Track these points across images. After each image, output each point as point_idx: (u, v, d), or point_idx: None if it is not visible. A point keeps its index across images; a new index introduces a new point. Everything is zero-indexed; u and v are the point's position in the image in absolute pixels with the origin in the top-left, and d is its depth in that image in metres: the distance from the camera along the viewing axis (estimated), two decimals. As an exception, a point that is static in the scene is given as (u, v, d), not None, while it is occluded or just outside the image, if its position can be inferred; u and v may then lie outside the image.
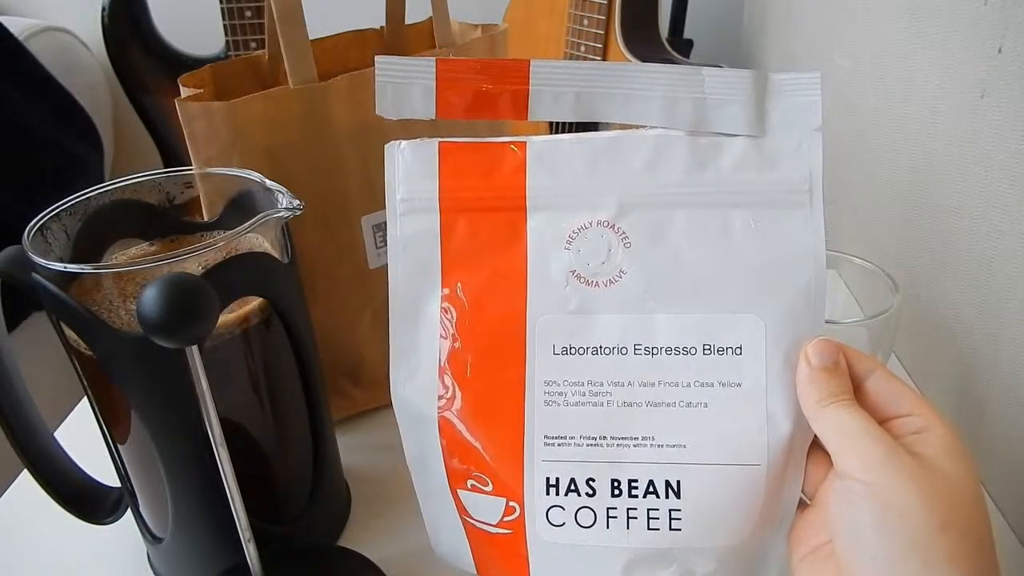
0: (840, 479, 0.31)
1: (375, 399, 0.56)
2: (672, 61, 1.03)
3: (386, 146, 0.36)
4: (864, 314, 0.47)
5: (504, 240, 0.36)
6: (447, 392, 0.37)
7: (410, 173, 0.37)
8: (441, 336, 0.37)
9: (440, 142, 0.36)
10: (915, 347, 0.56)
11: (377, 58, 0.35)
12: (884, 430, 0.31)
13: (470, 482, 0.37)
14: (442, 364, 0.37)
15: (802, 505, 0.35)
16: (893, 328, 0.46)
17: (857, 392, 0.33)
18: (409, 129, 0.38)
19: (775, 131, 0.34)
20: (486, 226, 0.36)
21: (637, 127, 0.35)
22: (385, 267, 0.52)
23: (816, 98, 0.34)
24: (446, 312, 0.37)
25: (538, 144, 0.36)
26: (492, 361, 0.36)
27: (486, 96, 0.35)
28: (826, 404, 0.32)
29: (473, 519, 0.38)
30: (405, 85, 0.35)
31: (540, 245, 0.36)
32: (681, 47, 1.17)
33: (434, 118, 0.36)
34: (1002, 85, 0.44)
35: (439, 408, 0.37)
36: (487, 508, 0.37)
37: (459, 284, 0.37)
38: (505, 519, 0.37)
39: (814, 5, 0.83)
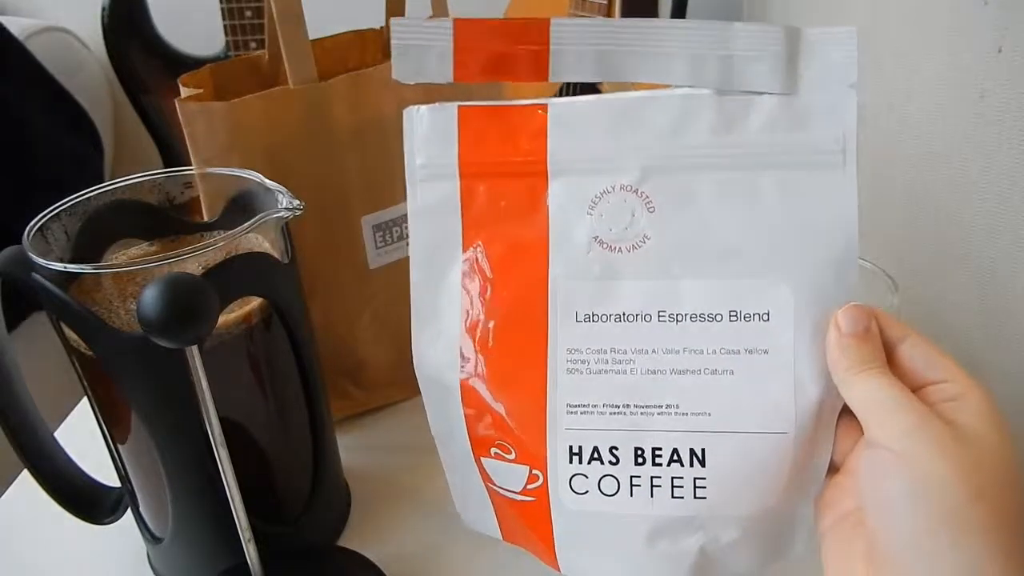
0: (871, 448, 0.30)
1: (375, 399, 0.56)
2: (672, 61, 1.03)
3: (404, 111, 0.36)
4: (864, 314, 0.47)
5: (525, 206, 0.35)
6: (470, 360, 0.36)
7: (429, 139, 0.36)
8: (463, 303, 0.36)
9: (459, 106, 0.35)
10: (915, 347, 0.56)
11: (393, 20, 0.34)
12: (917, 398, 0.30)
13: (493, 450, 0.37)
14: (464, 332, 0.36)
15: (830, 471, 0.34)
16: (893, 328, 0.46)
17: (890, 358, 0.32)
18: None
19: (807, 89, 0.33)
20: (507, 192, 0.35)
21: (656, 87, 0.34)
22: (385, 267, 0.52)
23: (852, 53, 0.32)
24: (467, 279, 0.36)
25: (560, 107, 0.35)
26: (514, 329, 0.35)
27: (505, 57, 0.34)
28: (857, 372, 0.31)
29: (497, 487, 0.38)
30: (422, 48, 0.34)
31: (562, 211, 0.35)
32: (681, 47, 1.17)
33: (451, 82, 0.34)
34: (1002, 85, 0.44)
35: (462, 376, 0.36)
36: (511, 476, 0.37)
37: (480, 251, 0.36)
38: (529, 487, 0.36)
39: (813, 5, 0.83)
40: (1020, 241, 0.43)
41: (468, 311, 0.36)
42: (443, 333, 0.36)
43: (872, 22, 0.65)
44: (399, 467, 0.51)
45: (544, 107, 0.35)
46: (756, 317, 0.33)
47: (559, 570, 0.38)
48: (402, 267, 0.53)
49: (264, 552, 0.39)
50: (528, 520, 0.38)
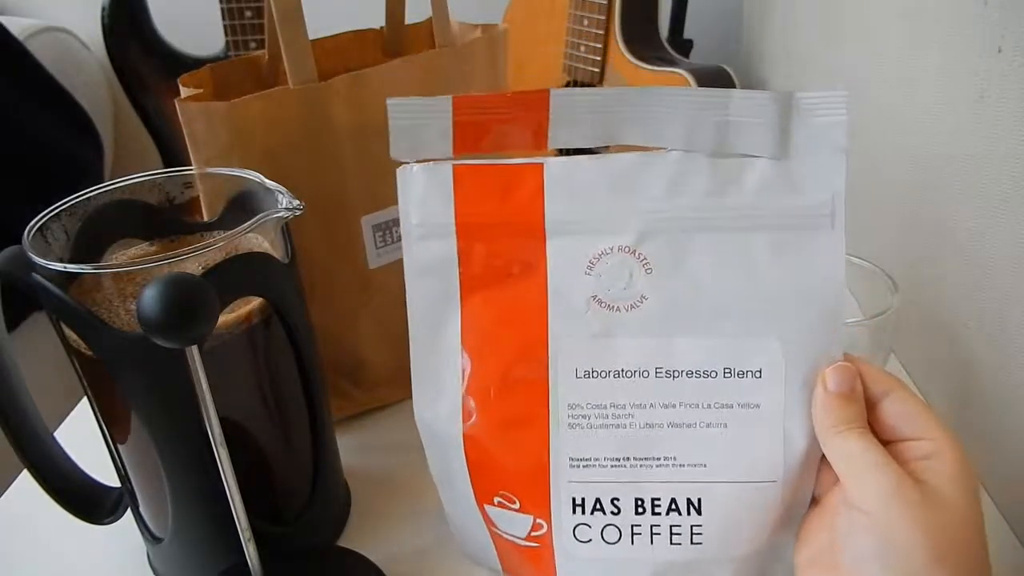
0: (847, 507, 0.32)
1: (375, 399, 0.56)
2: (672, 61, 1.03)
3: (397, 171, 0.36)
4: (864, 314, 0.47)
5: (524, 265, 0.36)
6: (471, 415, 0.36)
7: (424, 198, 0.36)
8: (463, 359, 0.37)
9: (455, 165, 0.35)
10: (915, 347, 0.56)
11: (389, 101, 0.35)
12: (892, 459, 0.31)
13: (497, 499, 0.37)
14: (465, 387, 0.37)
15: (810, 503, 0.36)
16: (893, 328, 0.46)
17: (872, 411, 0.33)
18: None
19: (799, 153, 0.33)
20: (505, 251, 0.36)
21: (656, 149, 0.35)
22: (385, 267, 0.52)
23: (842, 118, 0.33)
24: (467, 336, 0.36)
25: (556, 166, 0.35)
26: (515, 385, 0.36)
27: (505, 130, 0.35)
28: (838, 431, 0.32)
29: (501, 531, 0.38)
30: (421, 127, 0.35)
31: (560, 271, 0.35)
32: (681, 47, 1.17)
33: (451, 157, 0.35)
34: (1002, 85, 0.44)
35: (464, 430, 0.37)
36: (515, 523, 0.37)
37: (479, 309, 0.36)
38: (533, 534, 0.37)
39: (813, 5, 0.83)
40: (1020, 241, 0.43)
41: (468, 367, 0.36)
42: (444, 386, 0.37)
43: (872, 22, 0.65)
44: (399, 467, 0.51)
45: (540, 167, 0.35)
46: (749, 374, 0.34)
47: None
48: (402, 267, 0.53)
49: (264, 552, 0.39)
50: (533, 563, 0.39)
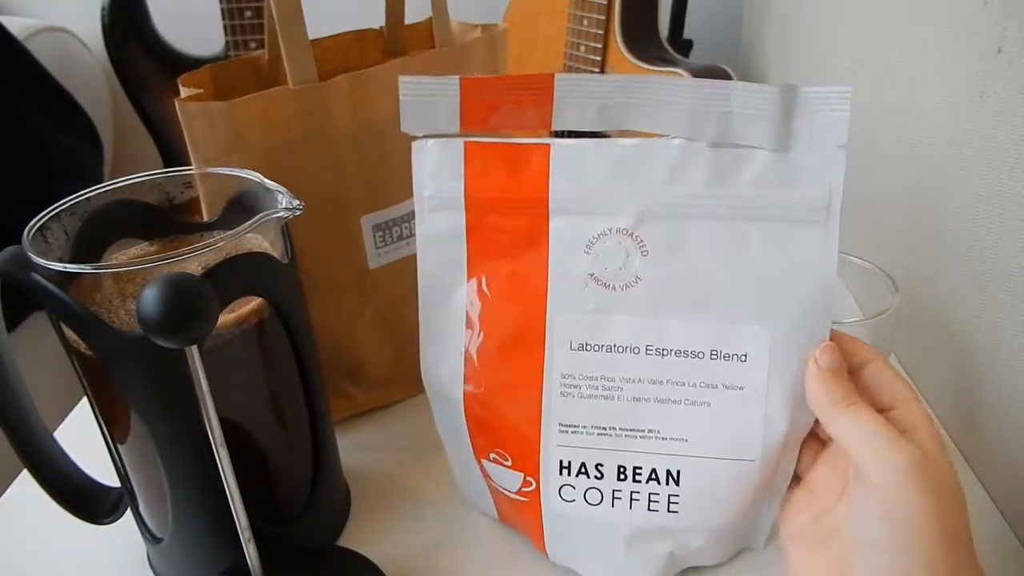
0: (861, 487, 0.32)
1: (375, 399, 0.56)
2: (672, 61, 1.03)
3: (412, 144, 0.37)
4: (864, 314, 0.48)
5: (527, 241, 0.37)
6: (472, 376, 0.39)
7: (437, 172, 0.37)
8: (466, 325, 0.38)
9: (466, 142, 0.37)
10: (915, 347, 0.56)
11: (401, 78, 0.36)
12: (903, 435, 0.31)
13: (492, 455, 0.40)
14: (467, 351, 0.39)
15: (792, 481, 0.37)
16: (893, 328, 0.46)
17: (851, 379, 0.34)
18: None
19: (799, 146, 0.34)
20: (510, 226, 0.37)
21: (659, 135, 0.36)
22: (385, 267, 0.52)
23: (844, 114, 0.33)
24: (471, 304, 0.38)
25: (562, 148, 0.36)
26: (513, 352, 0.38)
27: (510, 110, 0.36)
28: (843, 407, 0.33)
29: (495, 484, 0.41)
30: (430, 103, 0.36)
31: (561, 248, 0.37)
32: (681, 47, 1.17)
33: (458, 133, 0.37)
34: (1002, 85, 0.44)
35: (464, 391, 0.39)
36: (507, 478, 0.40)
37: (484, 279, 0.38)
38: (523, 490, 0.40)
39: (814, 5, 0.83)
40: (1020, 241, 0.43)
41: (471, 333, 0.39)
42: (448, 350, 0.39)
43: (872, 22, 0.65)
44: (399, 467, 0.51)
45: (547, 147, 0.36)
46: (735, 357, 0.36)
47: (547, 556, 0.42)
48: (402, 267, 0.53)
49: (264, 552, 0.39)
50: (522, 514, 0.41)
